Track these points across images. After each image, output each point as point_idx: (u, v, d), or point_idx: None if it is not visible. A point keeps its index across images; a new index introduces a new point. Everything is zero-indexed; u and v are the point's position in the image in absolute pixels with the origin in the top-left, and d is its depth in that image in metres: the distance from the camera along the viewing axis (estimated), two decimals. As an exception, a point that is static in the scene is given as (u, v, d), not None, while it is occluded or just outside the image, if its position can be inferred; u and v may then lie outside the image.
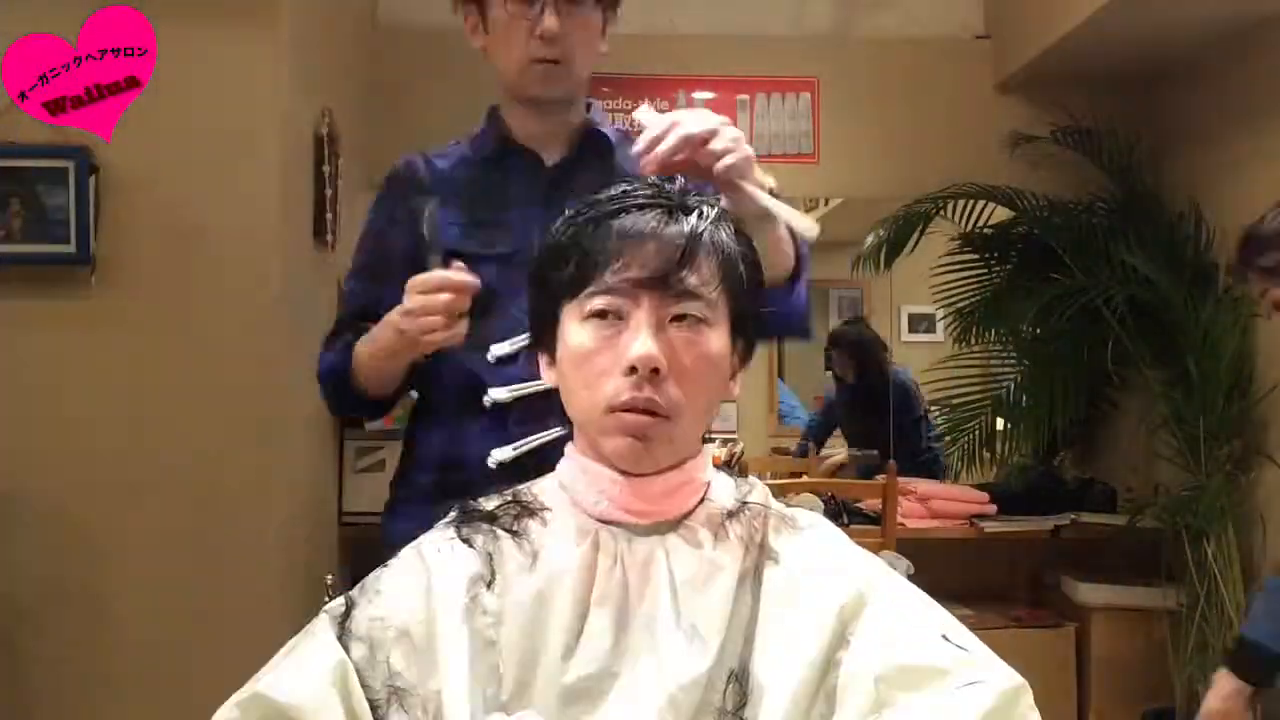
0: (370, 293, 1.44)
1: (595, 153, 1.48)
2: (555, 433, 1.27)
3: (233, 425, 2.32)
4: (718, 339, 0.95)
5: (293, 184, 2.52)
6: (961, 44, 3.63)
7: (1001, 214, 3.47)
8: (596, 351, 0.93)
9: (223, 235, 2.33)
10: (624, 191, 0.98)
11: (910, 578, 0.97)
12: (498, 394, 1.33)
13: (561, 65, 1.41)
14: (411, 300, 1.23)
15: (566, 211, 1.00)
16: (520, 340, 1.31)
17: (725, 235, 0.97)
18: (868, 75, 3.59)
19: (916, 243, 3.42)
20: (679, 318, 0.93)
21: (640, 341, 0.91)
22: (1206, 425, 2.90)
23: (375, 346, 1.35)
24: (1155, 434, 3.12)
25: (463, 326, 1.23)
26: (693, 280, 0.93)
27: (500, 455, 1.32)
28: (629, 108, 3.49)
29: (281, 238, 2.42)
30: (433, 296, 1.22)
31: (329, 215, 2.70)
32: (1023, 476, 3.54)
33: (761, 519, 0.98)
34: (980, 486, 3.37)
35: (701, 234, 0.95)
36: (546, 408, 1.21)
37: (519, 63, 1.42)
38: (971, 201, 3.41)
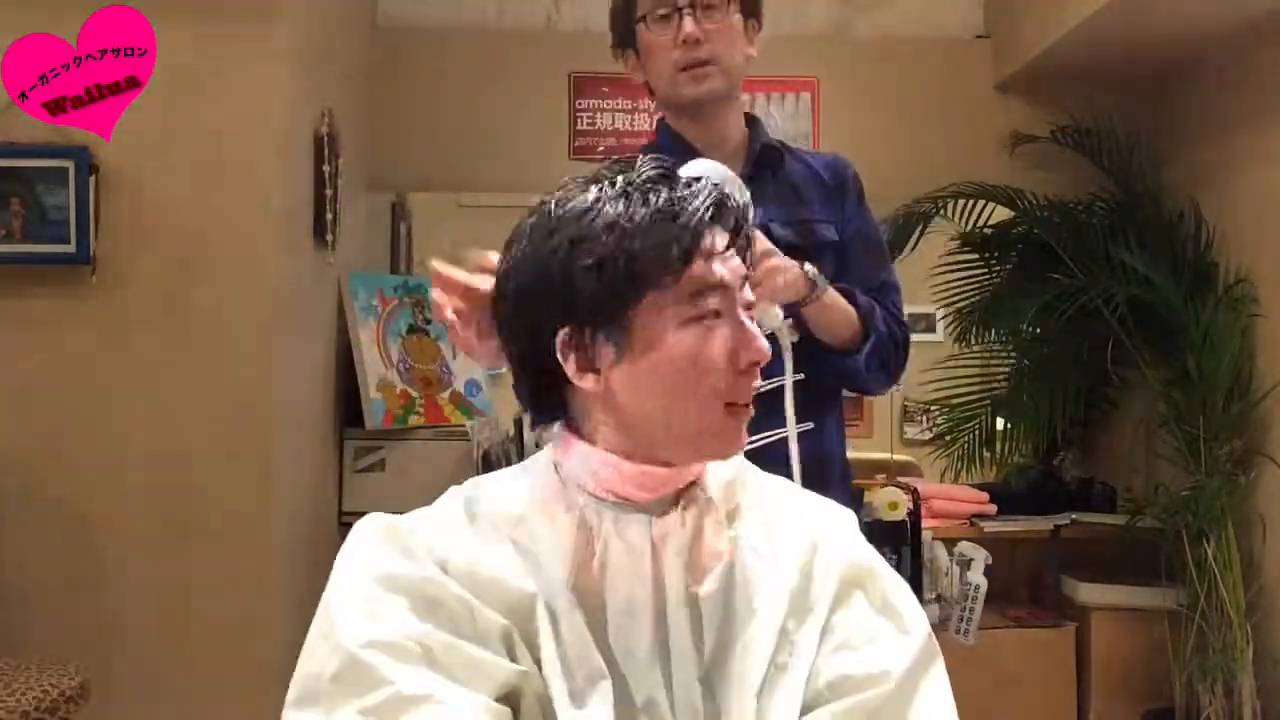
0: None
1: (769, 163, 1.60)
2: (780, 433, 1.29)
3: (233, 425, 2.32)
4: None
5: (293, 184, 2.52)
6: (961, 44, 3.63)
7: (1001, 214, 3.46)
8: (706, 347, 0.91)
9: (223, 235, 2.33)
10: (695, 179, 0.94)
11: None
12: None
13: (709, 64, 1.50)
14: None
15: (609, 192, 0.92)
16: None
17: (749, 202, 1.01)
18: (868, 75, 3.59)
19: (916, 243, 3.41)
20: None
21: (757, 334, 0.93)
22: (1206, 425, 2.90)
23: None
24: (1155, 434, 3.12)
25: (474, 337, 1.08)
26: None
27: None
28: (628, 108, 3.49)
29: (281, 238, 2.42)
30: (436, 292, 1.11)
31: (329, 215, 2.70)
32: (1023, 476, 3.54)
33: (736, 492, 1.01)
34: (980, 486, 3.37)
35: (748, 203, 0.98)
36: (770, 407, 1.20)
37: (670, 72, 1.51)
38: (971, 201, 3.40)
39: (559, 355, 0.92)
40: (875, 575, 0.96)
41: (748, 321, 0.93)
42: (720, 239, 0.92)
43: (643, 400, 0.91)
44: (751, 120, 1.64)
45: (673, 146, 1.54)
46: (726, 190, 0.94)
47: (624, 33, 1.57)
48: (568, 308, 0.90)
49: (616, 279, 0.89)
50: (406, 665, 0.83)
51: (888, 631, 0.93)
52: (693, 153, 1.49)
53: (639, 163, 0.95)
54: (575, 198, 0.93)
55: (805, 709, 0.89)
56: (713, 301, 0.90)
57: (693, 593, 0.92)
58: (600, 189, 0.92)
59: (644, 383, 0.91)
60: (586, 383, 0.92)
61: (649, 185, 0.92)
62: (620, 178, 0.93)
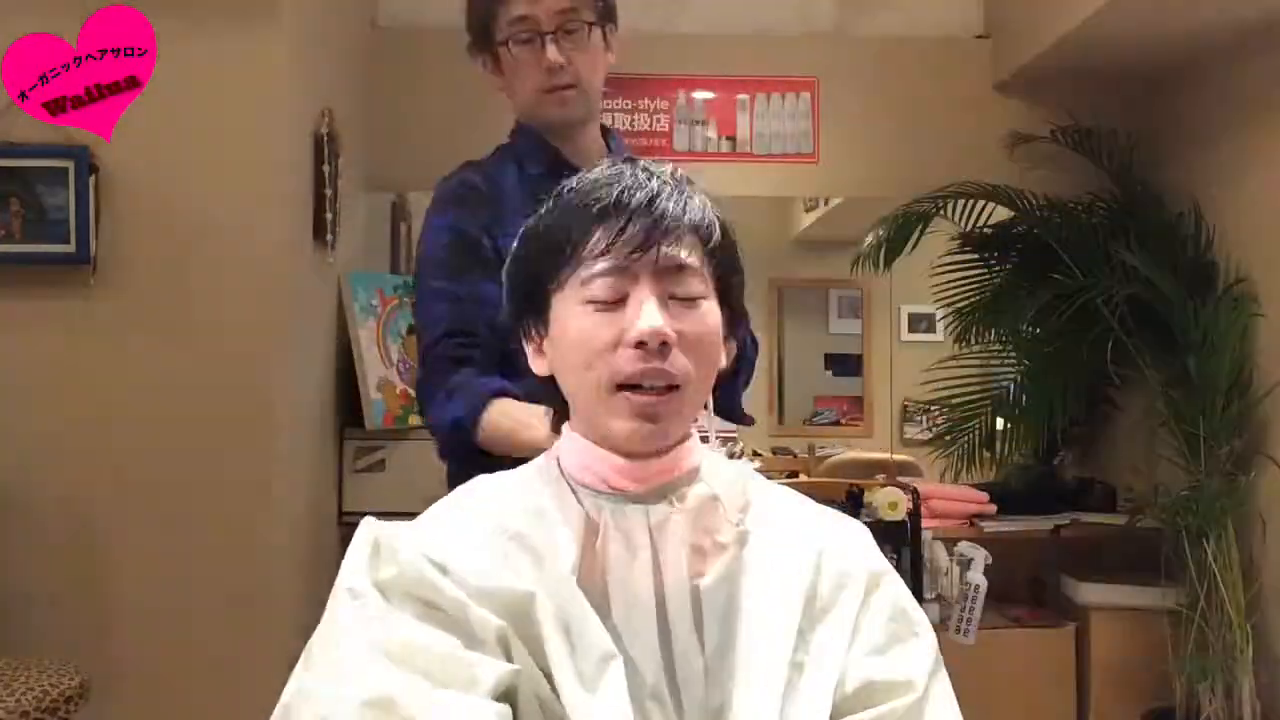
0: (464, 304, 1.47)
1: None
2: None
3: (233, 425, 2.32)
4: (712, 310, 0.97)
5: (293, 184, 2.52)
6: (961, 44, 3.63)
7: (1001, 214, 3.46)
8: (599, 329, 0.93)
9: (223, 235, 2.33)
10: (602, 176, 0.98)
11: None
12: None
13: (574, 89, 1.54)
14: None
15: (544, 201, 1.01)
16: None
17: (707, 210, 0.98)
18: (868, 75, 3.59)
19: (916, 242, 3.41)
20: (674, 294, 0.94)
21: (647, 315, 0.92)
22: (1206, 425, 2.90)
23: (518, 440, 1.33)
24: (1155, 434, 3.12)
25: None
26: (684, 255, 0.95)
27: None
28: (629, 108, 3.49)
29: (281, 238, 2.42)
30: None
31: (329, 215, 2.70)
32: (1023, 476, 3.53)
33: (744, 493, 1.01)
34: (980, 486, 3.37)
35: (686, 210, 0.96)
36: None
37: (534, 93, 1.55)
38: (971, 201, 3.40)
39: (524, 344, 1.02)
40: (891, 580, 0.98)
41: (647, 304, 0.92)
42: (604, 235, 0.94)
43: (564, 382, 0.98)
44: (606, 132, 1.67)
45: (536, 149, 1.58)
46: (619, 193, 0.95)
47: (483, 45, 1.58)
48: (511, 304, 1.02)
49: (530, 277, 0.99)
50: (406, 668, 0.83)
51: (905, 635, 0.95)
52: (555, 154, 1.56)
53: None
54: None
55: (834, 712, 0.90)
56: (598, 289, 0.93)
57: (695, 584, 0.93)
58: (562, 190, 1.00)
59: (559, 366, 0.98)
60: (540, 367, 1.00)
61: (565, 191, 0.99)
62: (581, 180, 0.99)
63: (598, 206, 0.94)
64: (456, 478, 1.30)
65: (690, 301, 0.95)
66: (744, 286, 1.03)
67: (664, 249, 0.93)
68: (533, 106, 1.57)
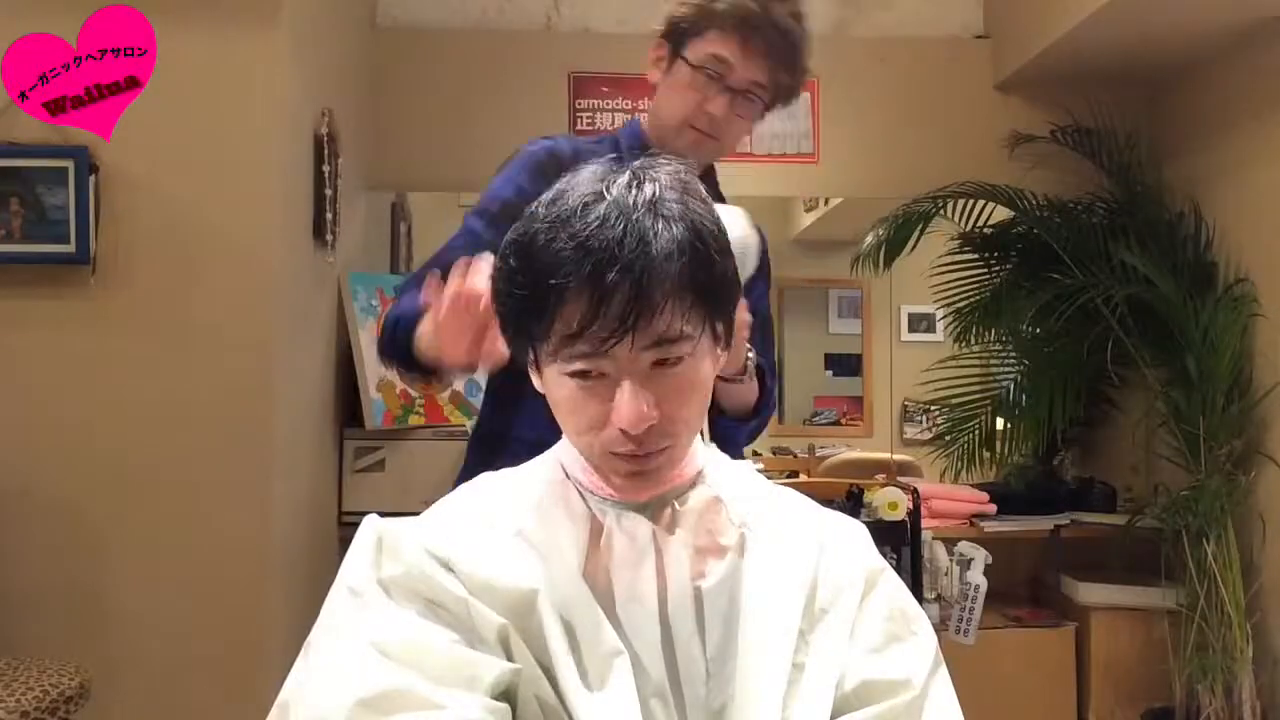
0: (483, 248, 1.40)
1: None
2: None
3: (233, 425, 2.32)
4: (702, 356, 0.91)
5: (293, 184, 2.52)
6: (961, 44, 3.63)
7: (1001, 214, 3.47)
8: (584, 404, 0.89)
9: (223, 235, 2.33)
10: (581, 216, 0.86)
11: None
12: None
13: (714, 141, 1.54)
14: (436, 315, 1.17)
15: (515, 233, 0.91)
16: None
17: (688, 236, 0.87)
18: (868, 75, 3.59)
19: (916, 242, 3.41)
20: (660, 361, 0.88)
21: (628, 407, 0.86)
22: (1206, 425, 2.90)
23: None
24: (1155, 434, 3.12)
25: (489, 347, 1.11)
26: (662, 323, 0.86)
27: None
28: (628, 108, 3.49)
29: (281, 238, 2.42)
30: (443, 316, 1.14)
31: (329, 215, 2.70)
32: (1023, 476, 3.54)
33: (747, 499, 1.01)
34: (980, 486, 3.37)
35: (667, 255, 0.85)
36: None
37: (679, 120, 1.53)
38: (971, 201, 3.41)
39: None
40: (890, 580, 0.99)
41: (627, 394, 0.87)
42: (579, 310, 0.85)
43: (561, 425, 0.95)
44: (709, 171, 1.65)
45: (633, 147, 1.55)
46: (596, 258, 0.84)
47: (677, 43, 1.54)
48: (501, 323, 0.93)
49: (514, 322, 0.90)
50: (405, 667, 0.84)
51: (903, 635, 0.95)
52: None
53: (592, 175, 0.91)
54: (530, 212, 0.91)
55: (832, 712, 0.90)
56: (578, 370, 0.87)
57: (697, 585, 0.93)
58: (543, 204, 0.90)
59: (553, 408, 0.94)
60: (538, 385, 0.95)
61: (563, 220, 0.87)
62: (560, 199, 0.89)
63: (574, 276, 0.84)
64: (469, 474, 1.27)
65: (675, 362, 0.88)
66: (739, 287, 0.97)
67: (640, 330, 0.85)
68: (670, 128, 1.54)
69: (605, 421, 0.89)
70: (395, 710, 0.81)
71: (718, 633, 0.92)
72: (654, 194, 0.88)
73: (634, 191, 0.88)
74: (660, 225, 0.86)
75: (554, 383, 0.91)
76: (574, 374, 0.88)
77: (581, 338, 0.85)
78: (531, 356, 0.92)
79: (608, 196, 0.87)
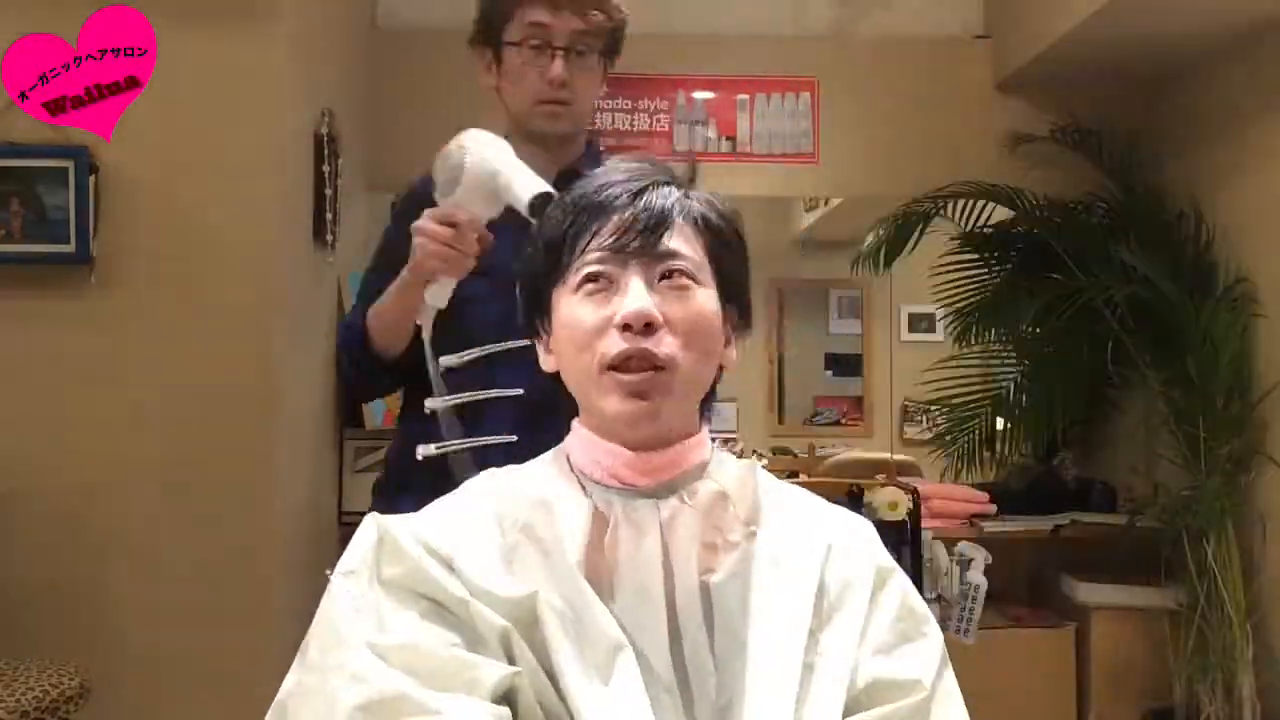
0: (386, 283, 1.58)
1: None
2: (491, 439, 1.38)
3: (233, 425, 2.32)
4: (708, 297, 0.98)
5: (293, 184, 2.52)
6: (961, 44, 3.63)
7: (1001, 214, 3.47)
8: (590, 314, 0.96)
9: (223, 235, 2.33)
10: (606, 175, 1.01)
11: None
12: (432, 403, 1.43)
13: (568, 106, 1.59)
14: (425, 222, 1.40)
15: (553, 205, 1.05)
16: (470, 354, 1.44)
17: (706, 205, 1.02)
18: (868, 75, 3.59)
19: (916, 242, 3.42)
20: (667, 275, 0.96)
21: (633, 297, 0.94)
22: (1206, 425, 2.90)
23: (390, 288, 1.52)
24: (1155, 434, 3.12)
25: (465, 262, 1.39)
26: (676, 242, 0.97)
27: (425, 451, 1.42)
28: (628, 107, 3.49)
29: (281, 238, 2.41)
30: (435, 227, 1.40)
31: (329, 215, 2.70)
32: (1023, 476, 3.54)
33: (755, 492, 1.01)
34: (980, 486, 3.37)
35: (680, 202, 0.99)
36: (502, 415, 1.38)
37: (529, 102, 1.60)
38: (971, 201, 3.41)
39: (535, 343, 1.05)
40: (899, 578, 0.99)
41: (634, 286, 0.95)
42: (600, 226, 0.97)
43: (565, 373, 1.01)
44: (590, 142, 1.73)
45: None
46: (618, 190, 0.99)
47: (489, 39, 1.63)
48: (521, 303, 1.05)
49: (534, 276, 1.02)
50: (405, 670, 0.83)
51: (913, 635, 0.95)
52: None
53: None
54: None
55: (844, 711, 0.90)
56: (591, 272, 0.96)
57: (704, 581, 0.93)
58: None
59: (561, 356, 1.01)
60: (548, 364, 1.03)
61: (571, 192, 1.02)
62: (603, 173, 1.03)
63: (596, 201, 0.98)
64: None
65: (683, 287, 0.97)
66: (748, 281, 1.05)
67: (656, 235, 0.96)
68: (524, 113, 1.61)
69: (608, 328, 0.94)
70: (393, 716, 0.81)
71: (726, 629, 0.92)
72: (686, 170, 1.04)
73: (656, 166, 1.03)
74: (692, 193, 1.02)
75: (566, 306, 0.98)
76: (587, 279, 0.96)
77: (603, 242, 0.96)
78: (537, 326, 1.03)
79: (628, 172, 1.01)
